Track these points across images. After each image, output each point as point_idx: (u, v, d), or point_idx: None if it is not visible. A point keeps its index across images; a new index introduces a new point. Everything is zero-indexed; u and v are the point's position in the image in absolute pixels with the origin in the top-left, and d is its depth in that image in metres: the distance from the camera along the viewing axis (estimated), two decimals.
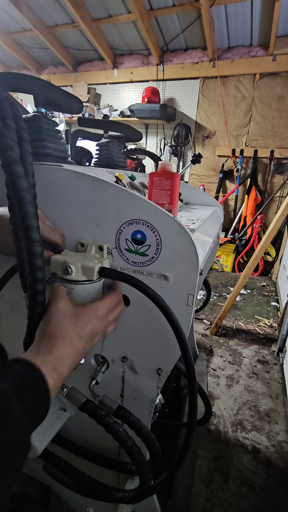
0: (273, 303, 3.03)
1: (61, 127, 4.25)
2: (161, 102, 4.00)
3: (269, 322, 2.64)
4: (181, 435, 1.11)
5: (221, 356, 2.17)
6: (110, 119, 1.36)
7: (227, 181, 4.08)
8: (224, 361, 2.12)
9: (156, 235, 0.53)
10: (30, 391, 0.37)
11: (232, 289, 2.99)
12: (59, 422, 0.62)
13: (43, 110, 0.67)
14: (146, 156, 2.61)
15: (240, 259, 3.97)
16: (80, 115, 3.43)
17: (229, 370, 2.02)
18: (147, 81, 4.16)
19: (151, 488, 0.61)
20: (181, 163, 4.25)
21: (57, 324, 0.46)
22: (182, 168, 3.88)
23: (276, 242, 3.76)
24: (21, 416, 0.35)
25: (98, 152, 1.10)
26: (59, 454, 0.72)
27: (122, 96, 4.45)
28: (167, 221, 0.52)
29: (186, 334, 0.56)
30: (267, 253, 3.79)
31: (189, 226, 0.83)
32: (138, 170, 3.52)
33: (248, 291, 3.34)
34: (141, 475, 0.59)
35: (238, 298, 3.09)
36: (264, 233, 3.12)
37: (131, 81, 4.28)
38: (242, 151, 3.78)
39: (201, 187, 4.11)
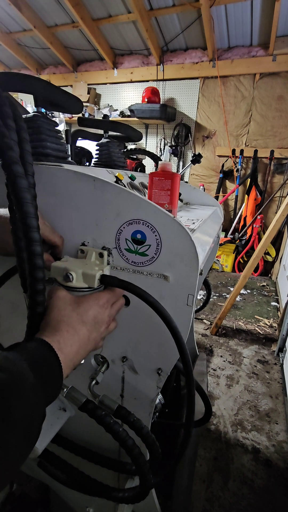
0: (273, 303, 3.03)
1: (61, 127, 4.25)
2: (161, 102, 4.00)
3: (269, 322, 2.64)
4: (181, 435, 1.11)
5: (221, 356, 2.17)
6: (110, 119, 1.36)
7: (227, 181, 4.08)
8: (224, 361, 2.12)
9: (156, 235, 0.53)
10: (43, 363, 0.39)
11: (232, 289, 2.99)
12: (59, 422, 0.62)
13: (43, 110, 0.67)
14: (146, 156, 2.61)
15: (240, 259, 3.97)
16: (80, 115, 3.43)
17: (229, 370, 2.02)
18: (147, 81, 4.16)
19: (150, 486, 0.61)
20: (181, 163, 4.25)
21: (59, 310, 0.47)
22: (182, 168, 3.88)
23: (276, 242, 3.76)
24: (36, 386, 0.36)
25: (98, 152, 1.10)
26: (59, 454, 0.72)
27: (122, 96, 4.44)
28: (167, 221, 0.52)
29: (186, 334, 0.56)
30: (267, 253, 3.78)
31: (189, 226, 0.83)
32: (138, 170, 3.51)
33: (248, 291, 3.34)
34: (141, 475, 0.59)
35: (238, 298, 3.09)
36: (264, 233, 3.12)
37: (131, 81, 4.28)
38: (242, 151, 3.78)
39: (201, 187, 4.11)
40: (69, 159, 0.75)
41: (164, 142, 4.29)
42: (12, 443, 0.31)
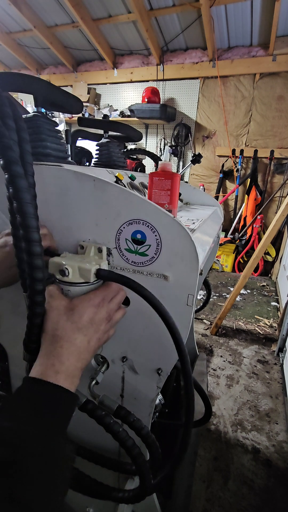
0: (273, 303, 3.03)
1: (61, 127, 4.25)
2: (161, 102, 4.00)
3: (269, 322, 2.64)
4: (180, 437, 1.11)
5: (221, 356, 2.17)
6: (110, 119, 1.36)
7: (227, 181, 4.08)
8: (224, 361, 2.12)
9: (156, 235, 0.53)
10: (44, 402, 0.42)
11: (232, 289, 2.99)
12: None
13: (43, 110, 0.67)
14: (146, 156, 2.61)
15: (240, 259, 3.97)
16: (80, 115, 3.43)
17: (229, 370, 2.02)
18: (147, 81, 4.16)
19: (150, 488, 0.61)
20: (181, 163, 4.25)
21: (53, 323, 0.48)
22: (182, 168, 3.88)
23: (276, 242, 3.76)
24: (46, 434, 0.39)
25: (98, 152, 1.10)
26: None
27: (122, 96, 4.44)
28: (167, 221, 0.52)
29: (186, 334, 0.56)
30: (267, 253, 3.79)
31: (189, 226, 0.83)
32: (138, 170, 3.52)
33: (248, 291, 3.34)
34: (141, 475, 0.59)
35: (238, 298, 3.09)
36: (264, 233, 3.12)
37: (131, 81, 4.28)
38: (242, 151, 3.78)
39: (201, 187, 4.11)
40: (69, 159, 0.75)
41: (164, 142, 4.29)
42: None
